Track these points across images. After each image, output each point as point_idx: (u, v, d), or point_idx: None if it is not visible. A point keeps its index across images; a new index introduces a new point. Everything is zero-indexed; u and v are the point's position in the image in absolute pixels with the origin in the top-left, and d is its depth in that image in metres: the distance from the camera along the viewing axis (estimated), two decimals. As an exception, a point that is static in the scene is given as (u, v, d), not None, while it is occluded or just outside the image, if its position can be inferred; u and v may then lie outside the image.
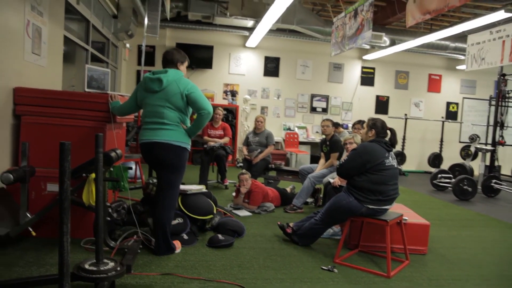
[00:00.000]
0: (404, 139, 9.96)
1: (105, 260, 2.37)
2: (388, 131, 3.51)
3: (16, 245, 3.15)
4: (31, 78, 3.62)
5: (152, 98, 3.00)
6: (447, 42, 8.91)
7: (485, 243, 4.24)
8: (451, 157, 10.16)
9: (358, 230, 3.69)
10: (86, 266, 2.29)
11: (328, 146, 5.39)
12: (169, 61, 3.11)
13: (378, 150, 3.31)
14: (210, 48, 9.42)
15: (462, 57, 9.33)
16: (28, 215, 3.05)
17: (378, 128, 3.44)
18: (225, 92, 9.70)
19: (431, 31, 8.53)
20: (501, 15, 6.18)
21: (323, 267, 3.16)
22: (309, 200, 5.48)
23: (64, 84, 5.16)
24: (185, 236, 3.56)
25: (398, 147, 10.01)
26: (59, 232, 1.74)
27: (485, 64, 7.17)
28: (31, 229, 3.04)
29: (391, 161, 3.34)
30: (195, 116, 3.07)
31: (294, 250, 3.58)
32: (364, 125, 3.56)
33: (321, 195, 5.30)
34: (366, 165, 3.27)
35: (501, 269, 3.44)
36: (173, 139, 2.98)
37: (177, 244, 3.32)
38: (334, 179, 4.39)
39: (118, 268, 2.33)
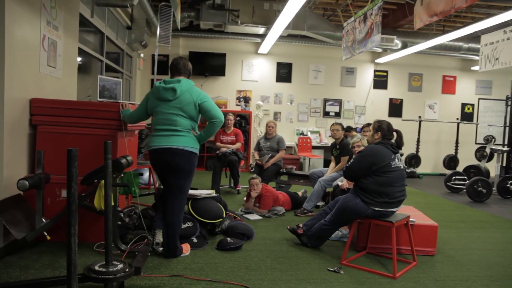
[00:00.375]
0: (418, 141, 9.88)
1: (115, 262, 2.46)
2: (394, 133, 3.52)
3: (32, 249, 3.28)
4: (47, 89, 3.77)
5: (165, 106, 3.08)
6: (460, 43, 8.83)
7: (497, 244, 4.20)
8: (467, 159, 10.01)
9: (365, 231, 3.70)
10: (96, 268, 2.39)
11: (338, 149, 5.42)
12: (180, 71, 3.21)
13: (384, 152, 3.33)
14: (222, 56, 9.54)
15: (477, 58, 9.22)
16: (43, 220, 3.18)
17: (384, 130, 3.46)
18: (238, 98, 9.79)
19: (443, 32, 8.48)
20: (513, 14, 6.11)
21: (330, 269, 3.19)
22: (320, 203, 5.50)
23: (81, 94, 5.34)
24: (195, 239, 3.64)
25: (412, 150, 9.94)
26: (67, 233, 1.84)
27: (499, 64, 7.09)
28: (46, 234, 3.16)
29: (398, 163, 3.36)
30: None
31: (301, 252, 3.62)
32: (370, 127, 3.58)
33: (331, 198, 5.31)
34: (372, 167, 3.29)
35: (511, 270, 3.41)
36: (186, 144, 3.07)
37: (186, 247, 3.40)
38: (343, 182, 4.41)
39: (127, 270, 2.42)
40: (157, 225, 3.39)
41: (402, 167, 3.38)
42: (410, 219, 3.53)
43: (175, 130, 3.06)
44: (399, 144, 3.48)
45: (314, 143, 9.72)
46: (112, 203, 3.12)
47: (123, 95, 4.19)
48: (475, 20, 7.97)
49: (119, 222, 3.38)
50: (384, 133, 3.46)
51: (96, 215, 3.37)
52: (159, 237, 3.36)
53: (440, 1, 4.83)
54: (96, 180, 3.25)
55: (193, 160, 3.13)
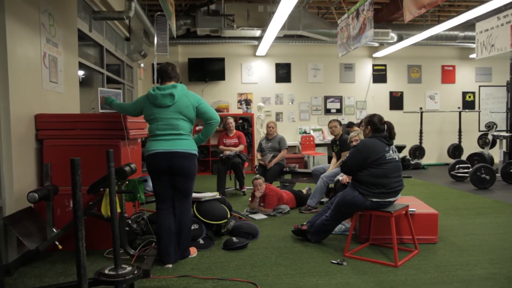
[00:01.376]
0: (421, 132, 9.91)
1: (124, 265, 2.57)
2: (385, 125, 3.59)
3: (45, 258, 3.41)
4: (50, 104, 3.90)
5: (164, 112, 3.13)
6: (456, 32, 8.87)
7: (499, 229, 4.25)
8: (472, 147, 10.01)
9: (367, 223, 3.78)
10: (106, 271, 2.50)
11: (338, 145, 5.50)
12: (170, 75, 3.27)
13: (378, 145, 3.41)
14: (221, 60, 9.64)
15: (474, 46, 9.24)
16: (54, 230, 3.30)
17: (375, 124, 3.54)
18: (239, 101, 9.87)
19: (438, 22, 8.53)
20: (507, -1, 6.14)
21: (333, 261, 3.28)
22: (324, 199, 5.58)
23: (85, 107, 5.48)
24: (201, 241, 3.73)
25: (416, 141, 9.96)
26: (75, 238, 1.95)
27: (495, 51, 7.13)
28: (57, 243, 3.29)
29: (392, 154, 3.43)
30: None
31: (305, 247, 3.70)
32: (363, 122, 3.66)
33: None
34: (367, 160, 3.37)
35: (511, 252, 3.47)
36: (190, 147, 3.16)
37: (192, 249, 3.48)
38: (343, 176, 4.49)
39: (135, 272, 2.53)
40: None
41: (397, 159, 3.45)
42: (410, 209, 3.59)
43: (178, 134, 3.13)
44: (391, 135, 3.55)
45: (317, 141, 9.78)
46: (118, 210, 3.25)
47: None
48: (469, 8, 8.01)
49: (127, 228, 3.48)
50: (376, 127, 3.54)
51: (106, 223, 3.46)
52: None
53: (429, -7, 4.91)
54: (102, 189, 3.33)
55: (196, 162, 3.23)
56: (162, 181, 3.21)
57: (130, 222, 3.59)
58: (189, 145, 3.16)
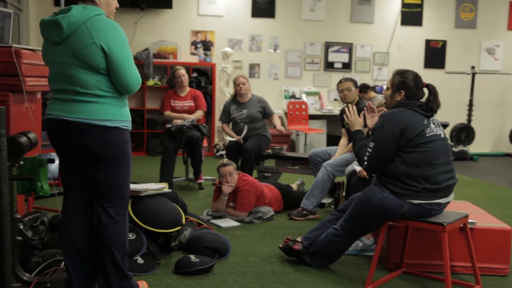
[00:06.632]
0: (471, 105, 10.05)
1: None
2: (425, 89, 3.57)
3: None
4: None
5: (54, 54, 2.95)
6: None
7: None
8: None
9: (400, 241, 3.74)
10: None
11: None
12: None
13: (412, 117, 3.38)
14: (167, -23, 9.47)
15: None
16: None
17: (409, 87, 3.49)
18: (194, 44, 9.74)
19: None
20: None
21: (349, 298, 3.25)
22: (326, 200, 5.55)
23: None
24: (140, 260, 3.62)
25: (462, 119, 10.10)
26: None
27: None
28: None
29: (435, 129, 3.42)
30: None
31: (303, 274, 3.64)
32: (388, 83, 3.62)
33: (344, 193, 5.35)
34: (399, 142, 3.34)
35: None
36: (96, 116, 2.90)
37: (142, 285, 3.34)
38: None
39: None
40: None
41: (442, 135, 3.45)
42: (469, 220, 3.56)
43: (74, 92, 2.93)
44: (433, 105, 3.52)
45: (312, 111, 9.77)
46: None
47: (11, 36, 4.11)
48: None
49: (19, 238, 3.32)
50: (410, 91, 3.51)
51: None
52: None
53: None
54: None
55: (117, 139, 3.00)
56: (65, 163, 3.11)
57: (22, 227, 3.44)
58: (93, 112, 2.92)
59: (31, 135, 3.20)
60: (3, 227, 2.48)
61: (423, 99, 3.55)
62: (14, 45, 3.64)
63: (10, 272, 2.43)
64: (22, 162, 3.19)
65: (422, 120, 3.39)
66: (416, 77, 3.54)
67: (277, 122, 6.44)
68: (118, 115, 2.96)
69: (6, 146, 2.54)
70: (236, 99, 6.51)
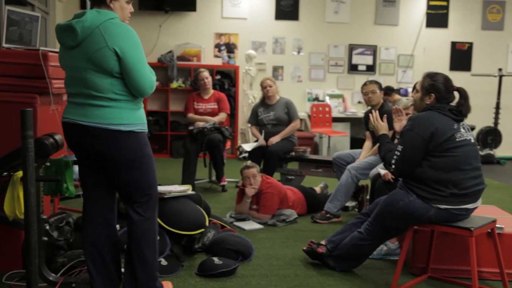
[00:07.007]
0: (497, 108, 9.92)
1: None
2: (456, 93, 3.53)
3: None
4: None
5: (69, 57, 2.96)
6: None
7: None
8: None
9: (426, 245, 3.71)
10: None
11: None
12: None
13: (442, 121, 3.35)
14: (192, -20, 9.52)
15: None
16: None
17: (439, 90, 3.45)
18: (218, 46, 9.75)
19: None
20: None
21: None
22: (350, 204, 5.53)
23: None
24: (163, 261, 3.64)
25: (488, 121, 9.97)
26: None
27: None
28: None
29: (464, 134, 3.38)
30: None
31: (327, 278, 3.63)
32: (417, 86, 3.58)
33: (368, 196, 5.31)
34: (428, 146, 3.32)
35: None
36: (110, 120, 2.88)
37: (167, 286, 3.36)
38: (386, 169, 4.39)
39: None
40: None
41: (472, 141, 3.42)
42: (497, 225, 3.53)
43: (89, 96, 2.93)
44: (464, 109, 3.49)
45: (335, 113, 9.75)
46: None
47: (39, 39, 4.15)
48: None
49: (45, 238, 3.36)
50: (441, 95, 3.47)
51: (6, 228, 3.36)
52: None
53: None
54: (5, 173, 3.22)
55: (131, 143, 2.99)
56: (84, 165, 3.13)
57: (48, 228, 3.48)
58: (108, 116, 2.92)
59: (57, 137, 3.24)
60: (29, 228, 2.49)
61: (454, 103, 3.52)
62: (41, 48, 3.68)
63: (37, 272, 2.45)
64: (48, 164, 3.24)
65: (452, 124, 3.36)
66: (447, 80, 3.51)
67: (287, 129, 6.29)
68: (133, 118, 2.96)
69: (33, 148, 2.56)
70: (264, 101, 6.52)
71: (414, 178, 3.37)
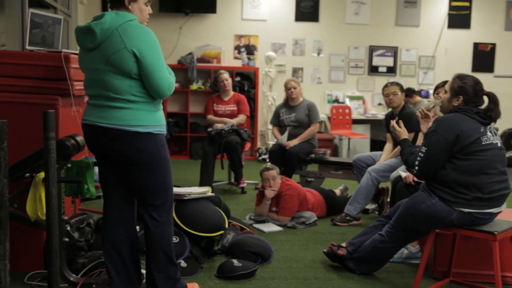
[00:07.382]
0: (521, 111, 9.80)
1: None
2: (485, 97, 3.47)
3: None
4: None
5: (89, 59, 2.98)
6: None
7: None
8: None
9: (447, 249, 3.68)
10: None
11: (397, 123, 5.35)
12: None
13: (468, 123, 3.31)
14: (212, -18, 9.53)
15: None
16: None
17: (468, 93, 3.41)
18: (238, 48, 9.77)
19: None
20: None
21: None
22: (370, 206, 5.50)
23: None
24: (183, 263, 3.65)
25: (511, 124, 9.84)
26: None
27: None
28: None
29: (491, 137, 3.34)
30: None
31: (348, 280, 3.63)
32: (446, 87, 3.53)
33: (389, 199, 5.28)
34: (453, 148, 3.28)
35: None
36: (129, 122, 2.88)
37: (194, 286, 3.38)
38: (407, 172, 4.36)
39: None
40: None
41: (499, 145, 3.37)
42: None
43: (108, 97, 2.93)
44: (493, 114, 3.43)
45: (355, 115, 9.71)
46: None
47: (61, 41, 4.19)
48: None
49: (66, 239, 3.38)
50: (469, 98, 3.43)
51: (28, 228, 3.36)
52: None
53: None
54: (27, 174, 3.24)
55: (150, 145, 2.99)
56: (104, 166, 3.15)
57: (69, 229, 3.50)
58: (126, 118, 2.92)
59: (79, 138, 3.27)
60: (51, 229, 2.51)
61: (483, 107, 3.47)
62: (63, 50, 3.70)
63: (58, 273, 2.46)
64: (69, 165, 3.29)
65: (479, 127, 3.32)
66: (477, 83, 3.46)
67: (306, 132, 6.26)
68: (151, 120, 2.97)
69: (55, 149, 2.58)
70: (287, 102, 6.51)
71: (437, 181, 3.34)
